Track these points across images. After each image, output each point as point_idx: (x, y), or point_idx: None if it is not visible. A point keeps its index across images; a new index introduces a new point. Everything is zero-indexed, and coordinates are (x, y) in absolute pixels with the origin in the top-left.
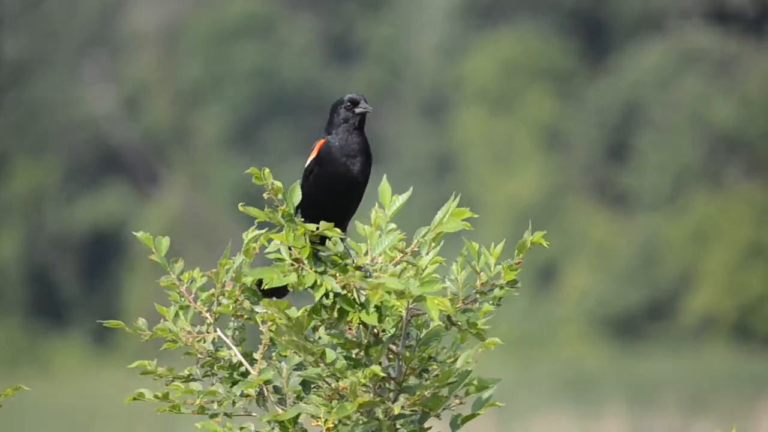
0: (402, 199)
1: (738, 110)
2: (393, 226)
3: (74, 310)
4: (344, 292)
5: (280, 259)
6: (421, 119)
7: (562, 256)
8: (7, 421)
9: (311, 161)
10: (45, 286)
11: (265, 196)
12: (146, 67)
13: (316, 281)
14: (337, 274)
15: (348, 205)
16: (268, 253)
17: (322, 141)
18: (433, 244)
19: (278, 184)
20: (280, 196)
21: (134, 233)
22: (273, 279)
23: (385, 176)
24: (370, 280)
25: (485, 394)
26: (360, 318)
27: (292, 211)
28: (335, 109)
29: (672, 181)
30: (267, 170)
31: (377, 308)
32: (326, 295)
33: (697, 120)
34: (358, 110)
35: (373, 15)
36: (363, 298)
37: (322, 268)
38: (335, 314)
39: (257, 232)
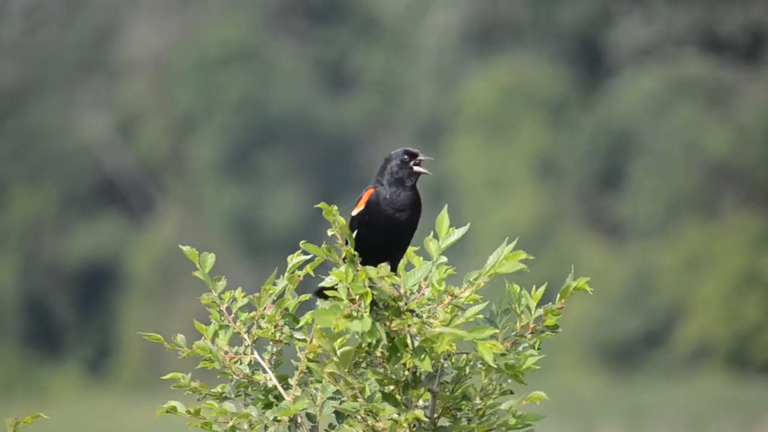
0: (459, 233)
1: (732, 138)
2: (444, 259)
3: (69, 338)
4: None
5: (336, 297)
6: (416, 146)
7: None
8: None
9: (360, 212)
10: (40, 314)
11: (329, 233)
12: (140, 94)
13: (363, 329)
14: (392, 318)
15: (395, 251)
16: (324, 287)
17: (371, 190)
18: (481, 282)
19: (342, 221)
20: (344, 236)
21: (180, 246)
22: (332, 322)
23: (446, 206)
24: (427, 328)
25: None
26: (414, 362)
27: (353, 252)
28: (388, 162)
29: (666, 210)
30: (335, 207)
31: (426, 351)
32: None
33: (691, 148)
34: (417, 169)
35: (368, 42)
36: (416, 344)
37: (377, 317)
38: (379, 353)
39: (302, 257)
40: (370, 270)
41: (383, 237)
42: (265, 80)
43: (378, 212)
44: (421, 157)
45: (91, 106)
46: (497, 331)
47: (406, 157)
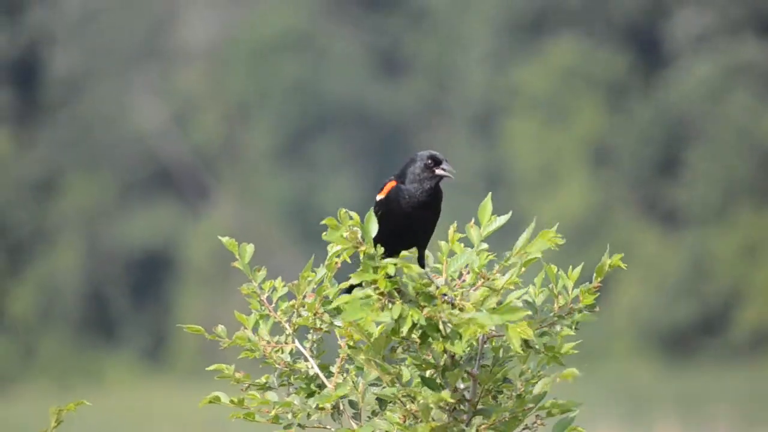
0: (501, 220)
1: None
2: (485, 246)
3: (126, 325)
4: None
5: (367, 296)
6: (469, 132)
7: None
8: None
9: (380, 200)
10: (98, 301)
11: (343, 235)
12: (195, 81)
13: (401, 314)
14: (423, 304)
15: (416, 239)
16: (354, 290)
17: (393, 183)
18: (522, 269)
19: (355, 217)
20: (359, 234)
21: (219, 237)
22: (366, 318)
23: (489, 194)
24: (456, 313)
25: (568, 417)
26: (445, 347)
27: (372, 250)
28: (413, 162)
29: (722, 196)
30: (342, 210)
31: (460, 335)
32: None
33: (747, 134)
34: (439, 172)
35: (420, 28)
36: (449, 330)
37: (410, 303)
38: (414, 338)
39: (340, 246)
40: (389, 265)
41: (400, 228)
42: (319, 67)
43: (396, 207)
44: (444, 166)
45: (146, 93)
46: (529, 312)
47: (430, 161)
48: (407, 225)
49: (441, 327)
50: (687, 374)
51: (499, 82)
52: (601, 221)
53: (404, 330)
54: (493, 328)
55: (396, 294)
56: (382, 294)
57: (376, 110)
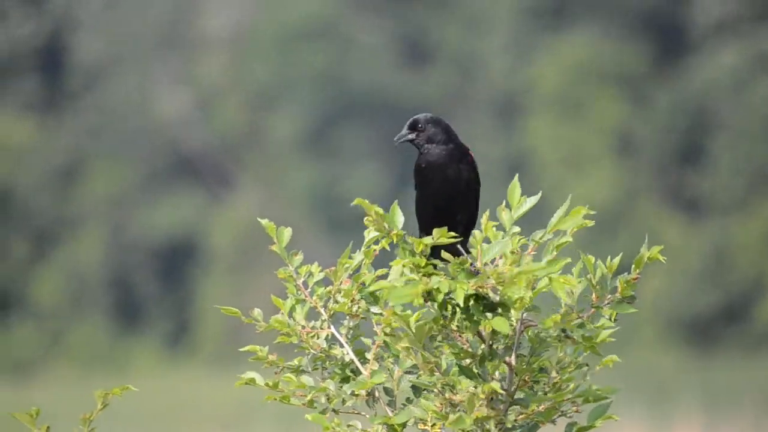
0: (531, 201)
1: None
2: (517, 229)
3: (151, 312)
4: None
5: (409, 280)
6: (493, 122)
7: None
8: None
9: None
10: (123, 289)
11: (365, 222)
12: (218, 70)
13: (450, 288)
14: (468, 279)
15: (456, 210)
16: (393, 280)
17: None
18: (554, 252)
19: (379, 211)
20: (385, 224)
21: (259, 219)
22: (411, 297)
23: (516, 176)
24: (504, 273)
25: (603, 405)
26: (492, 326)
27: (402, 233)
28: None
29: (745, 185)
30: (366, 202)
31: (508, 308)
32: (446, 306)
33: None
34: (396, 140)
35: (444, 17)
36: (498, 298)
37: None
38: (462, 321)
39: (377, 233)
40: (425, 240)
41: (438, 198)
42: (343, 55)
43: (421, 174)
44: (401, 134)
45: (169, 82)
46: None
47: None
48: (439, 192)
49: (491, 294)
50: (710, 363)
51: (522, 71)
52: (624, 210)
53: (459, 300)
54: (532, 319)
55: (437, 273)
56: (424, 274)
57: (400, 99)
